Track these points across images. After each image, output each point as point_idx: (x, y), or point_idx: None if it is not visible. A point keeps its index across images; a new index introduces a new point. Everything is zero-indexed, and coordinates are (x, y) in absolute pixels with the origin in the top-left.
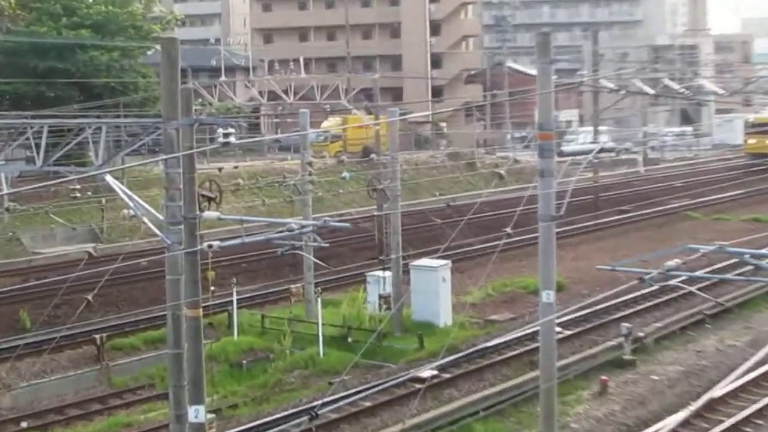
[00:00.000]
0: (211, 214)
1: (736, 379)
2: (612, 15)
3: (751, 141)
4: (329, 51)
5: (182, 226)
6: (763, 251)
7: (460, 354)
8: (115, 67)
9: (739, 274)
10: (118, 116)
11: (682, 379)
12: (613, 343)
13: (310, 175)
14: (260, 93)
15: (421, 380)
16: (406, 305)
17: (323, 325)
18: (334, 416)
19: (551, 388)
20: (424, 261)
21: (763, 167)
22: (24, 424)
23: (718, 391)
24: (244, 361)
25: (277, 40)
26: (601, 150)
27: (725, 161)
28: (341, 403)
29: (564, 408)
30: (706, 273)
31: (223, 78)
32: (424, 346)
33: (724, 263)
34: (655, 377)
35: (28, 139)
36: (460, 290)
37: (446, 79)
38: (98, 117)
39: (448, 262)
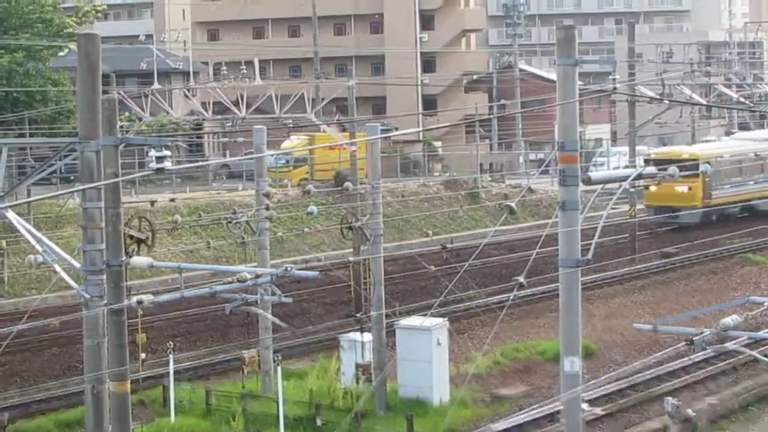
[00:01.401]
0: (141, 260)
1: None
2: (652, 4)
3: (653, 188)
4: (291, 51)
5: (104, 276)
6: None
7: None
8: (18, 72)
9: None
10: (22, 135)
11: None
12: (656, 424)
13: (267, 209)
14: (203, 104)
15: None
16: (390, 377)
17: (285, 402)
18: None
19: None
20: (414, 320)
21: (670, 227)
22: None
23: None
24: None
25: (225, 36)
26: (640, 176)
27: None
28: None
29: None
30: None
31: (156, 85)
32: (413, 429)
33: None
34: None
35: None
36: (459, 357)
37: (441, 86)
38: None
39: (445, 320)
